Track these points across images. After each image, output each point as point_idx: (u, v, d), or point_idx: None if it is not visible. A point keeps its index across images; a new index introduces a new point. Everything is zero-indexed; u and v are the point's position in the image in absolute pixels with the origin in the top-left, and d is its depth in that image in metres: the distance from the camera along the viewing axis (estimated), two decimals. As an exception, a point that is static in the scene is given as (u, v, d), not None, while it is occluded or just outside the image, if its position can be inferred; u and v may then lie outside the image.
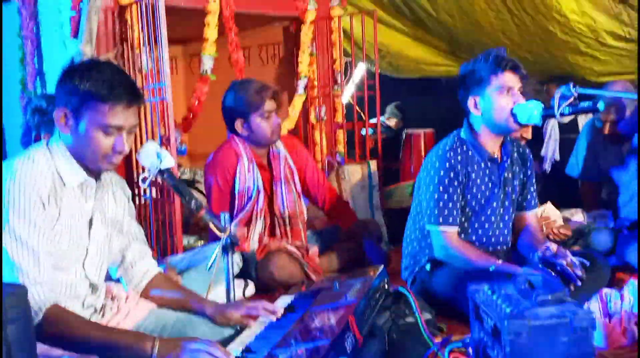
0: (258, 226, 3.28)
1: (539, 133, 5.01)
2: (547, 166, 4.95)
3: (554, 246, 2.59)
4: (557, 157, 4.81)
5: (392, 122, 7.05)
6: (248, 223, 3.28)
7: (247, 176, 3.28)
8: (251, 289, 3.19)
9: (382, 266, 2.57)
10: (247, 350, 1.92)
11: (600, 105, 2.46)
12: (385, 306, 2.42)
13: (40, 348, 1.82)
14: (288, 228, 3.36)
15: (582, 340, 1.55)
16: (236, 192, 3.28)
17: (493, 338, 1.67)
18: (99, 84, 1.91)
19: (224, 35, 4.11)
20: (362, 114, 4.65)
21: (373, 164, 4.36)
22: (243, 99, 3.27)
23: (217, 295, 2.53)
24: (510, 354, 1.55)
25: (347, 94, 4.73)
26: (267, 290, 3.19)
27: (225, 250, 2.25)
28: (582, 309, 1.59)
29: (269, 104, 3.27)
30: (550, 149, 4.95)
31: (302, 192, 3.51)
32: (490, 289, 1.86)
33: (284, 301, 2.47)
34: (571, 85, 2.52)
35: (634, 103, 3.50)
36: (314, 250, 3.34)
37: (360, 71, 4.72)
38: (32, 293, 1.78)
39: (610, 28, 4.89)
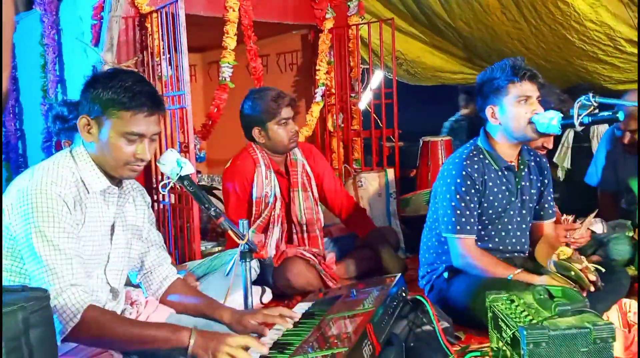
0: (275, 233, 3.29)
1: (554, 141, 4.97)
2: (561, 175, 4.91)
3: (568, 251, 2.57)
4: (569, 165, 4.78)
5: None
6: (265, 229, 3.30)
7: (265, 183, 3.30)
8: (268, 296, 3.20)
9: (399, 275, 2.57)
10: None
11: (620, 115, 2.46)
12: (402, 314, 2.42)
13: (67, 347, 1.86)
14: (305, 235, 3.38)
15: (602, 351, 1.55)
16: (254, 199, 3.30)
17: (512, 348, 1.67)
18: (121, 92, 1.94)
19: (242, 44, 4.15)
20: (379, 121, 4.66)
21: (390, 172, 4.36)
22: (260, 107, 3.29)
23: (235, 301, 2.54)
24: (529, 364, 1.56)
25: (365, 101, 4.74)
26: (284, 296, 3.21)
27: (243, 256, 2.27)
28: (602, 320, 1.59)
29: (286, 112, 3.29)
30: (562, 157, 4.92)
31: (319, 199, 3.52)
32: (509, 298, 1.86)
33: (301, 308, 2.48)
34: (591, 95, 2.51)
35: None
36: (331, 257, 3.35)
37: (377, 78, 4.73)
38: (69, 295, 1.82)
39: (628, 36, 4.86)
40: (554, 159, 4.93)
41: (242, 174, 3.32)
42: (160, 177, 3.54)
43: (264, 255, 2.78)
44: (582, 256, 2.54)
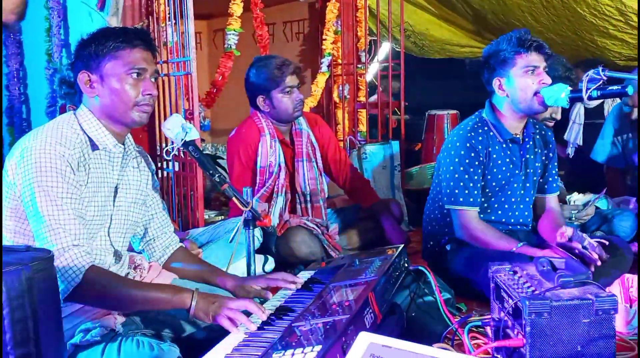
0: (279, 202, 3.29)
1: (563, 117, 4.93)
2: (570, 151, 4.88)
3: (569, 230, 2.56)
4: (580, 142, 4.74)
5: None
6: (269, 199, 3.30)
7: (270, 152, 3.28)
8: (271, 264, 3.20)
9: (402, 245, 2.57)
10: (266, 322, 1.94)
11: (630, 89, 2.42)
12: (404, 284, 2.43)
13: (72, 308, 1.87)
14: (309, 205, 3.37)
15: (604, 322, 1.54)
16: (258, 168, 3.29)
17: (514, 318, 1.67)
18: (115, 36, 2.01)
19: (249, 11, 4.11)
20: (386, 94, 4.63)
21: (395, 145, 4.34)
22: (265, 75, 3.26)
23: (238, 268, 2.55)
24: (531, 334, 1.55)
25: (372, 73, 4.71)
26: (286, 265, 3.21)
27: (247, 224, 2.27)
28: (605, 292, 1.59)
29: (291, 80, 3.26)
30: (574, 133, 4.88)
31: (323, 170, 3.51)
32: (511, 269, 1.86)
33: (303, 276, 2.48)
34: (600, 68, 2.48)
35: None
36: (334, 227, 3.35)
37: (384, 50, 4.69)
38: (71, 255, 1.82)
39: (638, 11, 4.79)
40: (565, 136, 4.90)
41: (246, 143, 3.30)
42: (164, 144, 3.52)
43: (267, 223, 2.79)
44: (585, 234, 2.53)
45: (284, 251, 3.20)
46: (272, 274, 2.25)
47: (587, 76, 2.48)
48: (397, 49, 6.50)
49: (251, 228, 2.31)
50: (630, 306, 2.32)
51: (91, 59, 2.01)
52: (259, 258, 3.15)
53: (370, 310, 1.97)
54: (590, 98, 2.50)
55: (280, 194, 3.30)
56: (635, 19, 4.92)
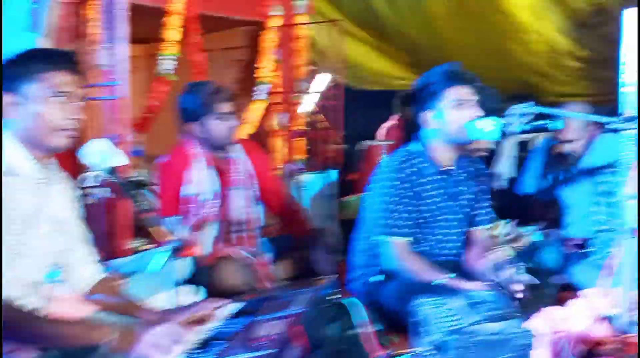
0: (211, 231, 3.22)
1: (496, 151, 5.05)
2: (502, 183, 4.98)
3: (496, 259, 2.59)
4: (512, 174, 4.85)
5: None
6: (200, 227, 3.23)
7: (202, 180, 3.23)
8: (201, 295, 3.13)
9: (333, 276, 2.55)
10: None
11: (559, 124, 2.49)
12: (334, 316, 2.40)
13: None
14: (242, 234, 3.32)
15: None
16: (189, 195, 3.23)
17: (437, 353, 1.66)
18: (41, 57, 1.96)
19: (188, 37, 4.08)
20: (324, 123, 4.65)
21: (332, 174, 4.34)
22: (198, 101, 3.22)
23: (163, 300, 2.47)
24: (452, 370, 1.55)
25: (310, 102, 4.72)
26: (217, 296, 3.13)
27: (172, 254, 2.21)
28: (526, 327, 1.60)
29: (225, 106, 3.23)
30: (505, 166, 4.99)
31: (258, 198, 3.47)
32: (436, 303, 1.86)
33: (231, 308, 2.43)
34: (530, 102, 2.54)
35: (588, 125, 3.56)
36: (267, 257, 3.30)
37: (323, 80, 4.72)
38: None
39: (569, 49, 4.99)
40: (497, 169, 5.00)
41: (178, 170, 3.24)
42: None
43: (194, 253, 2.72)
44: (511, 266, 2.56)
45: (215, 282, 3.12)
46: (198, 305, 2.19)
47: (518, 109, 2.54)
48: (337, 80, 6.58)
49: (177, 258, 2.25)
50: (553, 339, 2.34)
51: (15, 80, 1.94)
52: (189, 289, 3.07)
53: (297, 344, 1.93)
54: (520, 132, 2.56)
55: (212, 222, 3.23)
56: (565, 57, 5.12)
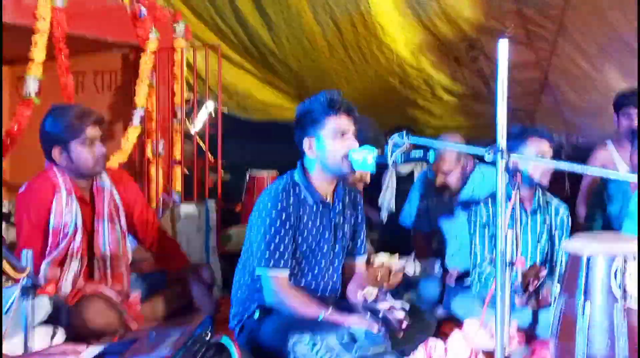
0: (73, 267, 2.95)
1: (378, 182, 5.10)
2: (384, 216, 5.02)
3: (373, 292, 2.54)
4: (393, 207, 4.89)
5: None
6: (62, 263, 2.96)
7: (65, 211, 2.96)
8: (60, 337, 2.84)
9: (205, 316, 2.39)
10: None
11: (431, 155, 2.48)
12: (206, 358, 2.24)
13: None
14: (108, 271, 3.07)
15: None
16: (50, 228, 2.95)
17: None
18: None
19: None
20: (206, 153, 4.49)
21: (211, 205, 4.17)
22: (62, 124, 2.97)
23: (15, 343, 2.23)
24: (326, 415, 1.43)
25: (189, 130, 4.56)
26: (79, 339, 2.86)
27: (25, 292, 1.98)
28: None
29: (92, 131, 3.00)
30: (387, 198, 5.03)
31: (128, 231, 3.24)
32: (311, 341, 1.75)
33: (92, 352, 2.21)
34: (404, 133, 2.52)
35: (463, 157, 3.63)
36: (136, 295, 3.07)
37: (203, 108, 4.57)
38: None
39: (445, 84, 5.14)
40: (379, 201, 5.04)
41: (38, 200, 2.96)
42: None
43: (50, 291, 2.48)
44: (389, 295, 2.52)
45: (76, 322, 2.85)
46: (51, 348, 1.97)
47: (392, 140, 2.51)
48: (218, 108, 6.44)
49: (30, 297, 2.01)
50: (434, 373, 2.31)
51: None
52: (47, 331, 2.78)
53: (160, 392, 1.76)
54: (395, 163, 2.53)
55: (75, 258, 2.96)
56: (442, 91, 5.27)
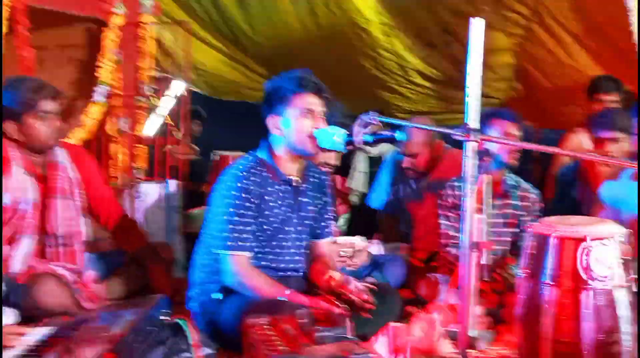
0: (24, 245, 2.83)
1: (347, 165, 5.06)
2: (355, 198, 4.97)
3: (337, 275, 2.49)
4: (364, 189, 4.85)
5: None
6: (13, 241, 2.83)
7: (17, 187, 2.84)
8: (12, 318, 2.73)
9: (161, 296, 2.30)
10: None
11: (400, 135, 2.42)
12: (160, 340, 2.16)
13: None
14: (62, 249, 2.95)
15: (358, 382, 1.40)
16: (3, 204, 2.82)
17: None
18: None
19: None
20: (174, 132, 4.38)
21: (172, 184, 4.06)
22: (16, 97, 2.84)
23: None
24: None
25: (155, 107, 4.44)
26: (31, 319, 2.75)
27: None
28: (361, 348, 1.45)
29: (47, 104, 2.87)
30: (358, 181, 4.99)
31: (83, 209, 3.12)
32: (268, 323, 1.67)
33: (37, 333, 2.11)
34: (372, 113, 2.45)
35: (433, 140, 3.58)
36: (91, 274, 2.96)
37: (169, 85, 4.45)
38: None
39: (418, 67, 5.08)
40: (348, 184, 4.99)
41: (-11, 175, 2.83)
42: None
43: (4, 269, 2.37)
44: (352, 278, 2.47)
45: (27, 302, 2.74)
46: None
47: (361, 120, 2.44)
48: (189, 87, 6.30)
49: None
50: (395, 357, 2.25)
51: None
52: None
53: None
54: (363, 142, 2.46)
55: (26, 235, 2.84)
56: (415, 75, 5.21)
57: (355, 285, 2.43)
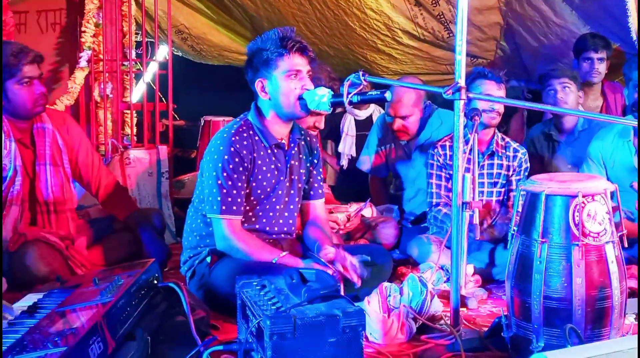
0: (13, 213, 2.82)
1: (338, 129, 5.03)
2: (344, 162, 4.96)
3: (331, 251, 2.48)
4: (354, 153, 4.83)
5: None
6: (1, 207, 2.81)
7: (3, 154, 2.80)
8: (2, 285, 2.72)
9: (152, 260, 2.30)
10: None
11: (388, 95, 2.39)
12: (153, 304, 2.16)
13: None
14: (52, 216, 2.93)
15: (352, 341, 1.40)
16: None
17: (257, 340, 1.47)
18: None
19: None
20: (162, 97, 4.31)
21: (162, 150, 4.02)
22: None
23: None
24: (272, 358, 1.36)
25: (140, 72, 4.36)
26: (23, 286, 2.75)
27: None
28: (353, 306, 1.45)
29: (30, 69, 2.82)
30: (347, 145, 4.97)
31: (72, 176, 3.09)
32: (259, 284, 1.67)
33: (28, 299, 2.11)
34: (360, 73, 2.42)
35: (422, 101, 3.55)
36: (82, 240, 2.95)
37: (155, 50, 4.38)
38: None
39: (405, 27, 5.01)
40: (339, 148, 4.96)
41: (-27, 142, 2.79)
42: None
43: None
44: (347, 253, 2.46)
45: (18, 269, 2.74)
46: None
47: (348, 80, 2.41)
48: (175, 52, 6.19)
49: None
50: (388, 316, 2.27)
51: None
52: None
53: (99, 339, 1.67)
54: (350, 103, 2.43)
55: (15, 203, 2.82)
56: (402, 35, 5.13)
57: (349, 260, 2.43)
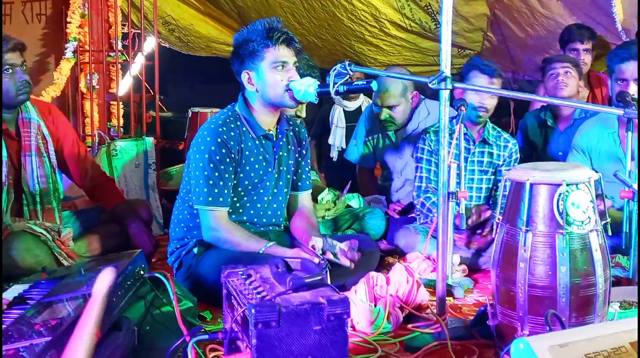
0: (-1, 203, 2.80)
1: (326, 122, 5.04)
2: (334, 154, 4.97)
3: (319, 242, 2.49)
4: (344, 145, 4.84)
5: None
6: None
7: (-12, 146, 2.78)
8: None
9: (138, 251, 2.29)
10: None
11: (374, 85, 2.39)
12: (139, 294, 2.16)
13: None
14: (38, 207, 2.91)
15: (336, 330, 1.41)
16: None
17: (242, 329, 1.48)
18: None
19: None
20: (150, 89, 4.29)
21: (149, 141, 4.01)
22: None
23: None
24: (257, 347, 1.36)
25: (127, 63, 4.34)
26: (9, 278, 2.73)
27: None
28: (338, 294, 1.45)
29: (11, 57, 2.78)
30: (337, 137, 4.98)
31: (58, 166, 3.07)
32: (245, 273, 1.67)
33: (15, 290, 2.09)
34: (347, 63, 2.42)
35: (409, 91, 3.55)
36: (68, 232, 2.93)
37: (142, 41, 4.35)
38: None
39: (392, 18, 5.01)
40: (329, 140, 4.97)
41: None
42: None
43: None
44: (335, 241, 2.47)
45: (4, 261, 2.71)
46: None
47: (334, 70, 2.41)
48: (162, 44, 6.16)
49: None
50: (375, 305, 2.28)
51: None
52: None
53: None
54: (337, 93, 2.43)
55: (1, 193, 2.80)
56: (389, 26, 5.13)
57: (339, 247, 2.44)
